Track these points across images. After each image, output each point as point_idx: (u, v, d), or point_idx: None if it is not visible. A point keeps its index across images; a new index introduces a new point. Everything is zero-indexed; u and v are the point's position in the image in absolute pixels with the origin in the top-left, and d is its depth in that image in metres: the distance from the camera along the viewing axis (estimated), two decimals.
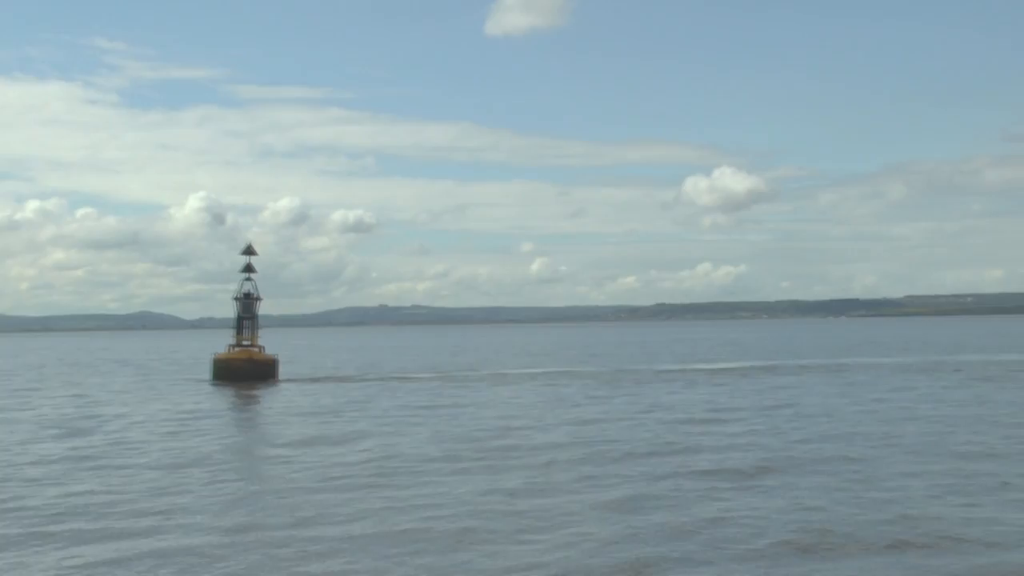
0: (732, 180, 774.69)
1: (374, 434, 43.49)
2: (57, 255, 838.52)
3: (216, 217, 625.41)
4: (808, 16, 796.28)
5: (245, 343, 76.53)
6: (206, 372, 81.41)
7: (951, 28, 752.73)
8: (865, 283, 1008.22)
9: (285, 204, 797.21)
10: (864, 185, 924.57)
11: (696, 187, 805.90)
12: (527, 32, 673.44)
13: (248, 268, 76.06)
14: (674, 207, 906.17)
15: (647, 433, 42.03)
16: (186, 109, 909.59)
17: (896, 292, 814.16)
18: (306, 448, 40.60)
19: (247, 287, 75.69)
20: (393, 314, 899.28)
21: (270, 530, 24.08)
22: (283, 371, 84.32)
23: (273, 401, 63.07)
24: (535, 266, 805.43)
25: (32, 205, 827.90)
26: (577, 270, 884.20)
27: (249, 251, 76.67)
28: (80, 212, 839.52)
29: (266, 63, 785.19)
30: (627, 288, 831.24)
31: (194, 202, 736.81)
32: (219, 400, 66.02)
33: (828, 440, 38.96)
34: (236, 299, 76.25)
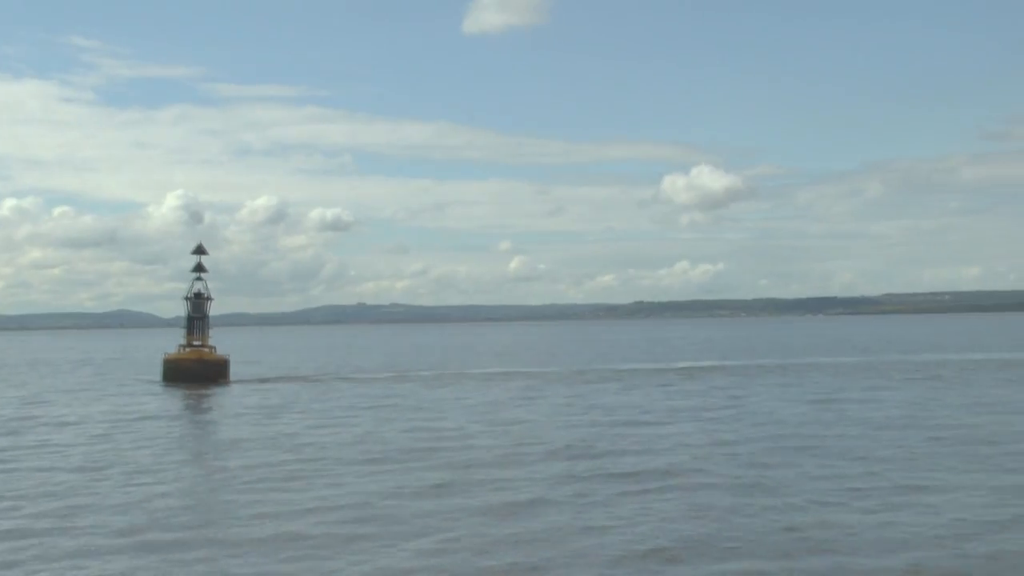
0: (710, 178, 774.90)
1: (304, 435, 43.28)
2: (34, 254, 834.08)
3: (193, 215, 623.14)
4: (787, 15, 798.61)
5: (196, 343, 76.10)
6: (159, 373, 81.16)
7: (929, 26, 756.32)
8: (843, 281, 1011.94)
9: (263, 202, 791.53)
10: (842, 183, 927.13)
11: (674, 185, 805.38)
12: (504, 30, 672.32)
13: (199, 268, 75.62)
14: (652, 205, 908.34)
15: (575, 435, 41.99)
16: (163, 107, 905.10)
17: (874, 290, 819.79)
18: (232, 450, 40.38)
19: (198, 287, 75.27)
20: (371, 312, 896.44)
21: (159, 532, 24.03)
22: (241, 371, 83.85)
23: (217, 402, 62.69)
24: (513, 264, 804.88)
25: (8, 203, 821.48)
26: (555, 268, 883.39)
27: (200, 251, 76.25)
28: (57, 211, 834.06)
29: (243, 62, 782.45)
30: (605, 286, 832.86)
31: (171, 200, 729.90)
32: (163, 401, 65.57)
33: (752, 443, 38.98)
34: (187, 299, 75.77)
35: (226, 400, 63.89)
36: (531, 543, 22.51)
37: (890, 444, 38.54)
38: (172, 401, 65.04)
